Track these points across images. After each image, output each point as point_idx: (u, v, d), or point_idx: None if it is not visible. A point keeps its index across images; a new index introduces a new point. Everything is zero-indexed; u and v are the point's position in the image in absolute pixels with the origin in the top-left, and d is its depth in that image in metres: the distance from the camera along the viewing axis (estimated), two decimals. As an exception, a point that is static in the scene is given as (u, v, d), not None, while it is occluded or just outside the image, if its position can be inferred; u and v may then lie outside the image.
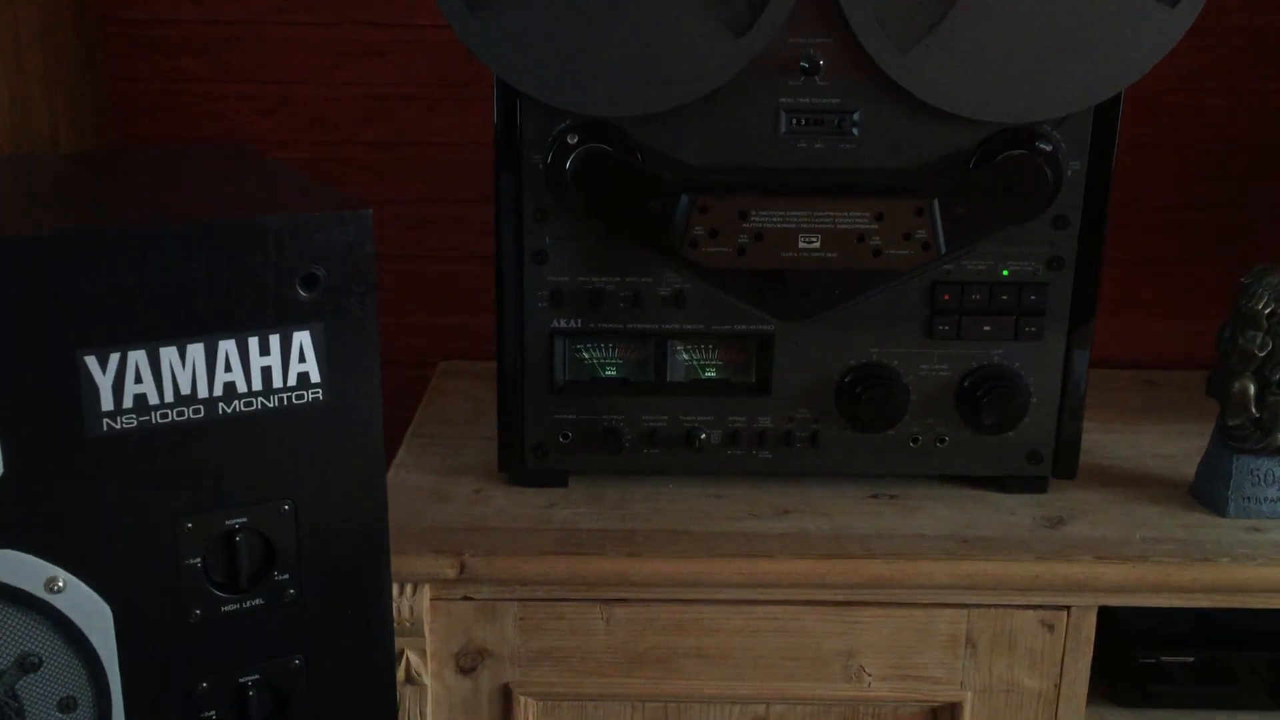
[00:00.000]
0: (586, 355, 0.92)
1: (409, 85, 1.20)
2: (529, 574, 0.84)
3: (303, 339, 0.60)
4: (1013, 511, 0.90)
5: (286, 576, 0.63)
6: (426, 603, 0.84)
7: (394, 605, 0.82)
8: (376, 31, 1.18)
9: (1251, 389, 0.87)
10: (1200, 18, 0.81)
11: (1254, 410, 0.88)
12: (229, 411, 0.59)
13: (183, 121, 1.20)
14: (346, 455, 0.63)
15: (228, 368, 0.58)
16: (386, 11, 1.17)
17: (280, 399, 0.60)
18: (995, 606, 0.85)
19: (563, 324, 0.90)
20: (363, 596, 0.67)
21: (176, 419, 0.58)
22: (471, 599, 0.85)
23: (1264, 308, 0.86)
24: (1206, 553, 0.85)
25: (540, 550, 0.85)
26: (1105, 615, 0.85)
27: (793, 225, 0.85)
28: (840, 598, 0.86)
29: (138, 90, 1.19)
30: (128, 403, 0.57)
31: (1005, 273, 0.89)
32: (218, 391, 0.59)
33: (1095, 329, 0.90)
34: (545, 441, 0.92)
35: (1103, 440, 1.04)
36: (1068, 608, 0.85)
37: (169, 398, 0.58)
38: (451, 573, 0.83)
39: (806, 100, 0.85)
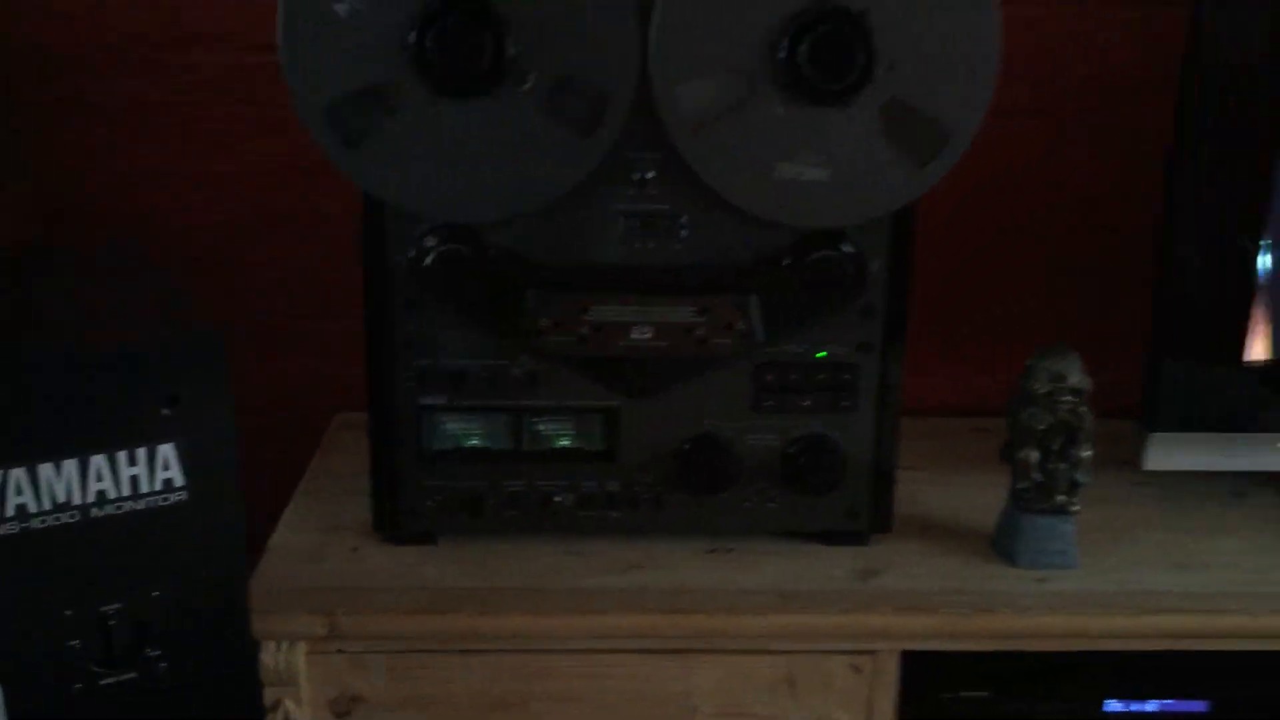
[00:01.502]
0: (452, 428, 1.02)
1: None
2: (395, 630, 0.94)
3: (166, 451, 0.69)
4: (832, 564, 1.02)
5: (158, 652, 0.73)
6: (302, 656, 0.94)
7: (271, 659, 0.92)
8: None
9: (1034, 457, 0.99)
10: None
11: (1037, 476, 1.00)
12: (101, 514, 0.69)
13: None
14: (210, 546, 0.73)
15: (99, 478, 0.68)
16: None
17: (148, 502, 0.70)
18: (810, 652, 0.96)
19: (429, 401, 1.00)
20: (228, 665, 0.77)
21: (54, 523, 0.68)
22: (344, 652, 0.95)
23: (1040, 388, 0.98)
24: (995, 603, 0.97)
25: (407, 608, 0.95)
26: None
27: (628, 319, 0.96)
28: (677, 646, 0.97)
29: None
30: (10, 511, 0.66)
31: (821, 354, 1.00)
32: (90, 498, 0.68)
33: (903, 400, 1.02)
34: (415, 505, 1.02)
35: (928, 491, 1.15)
36: (873, 651, 0.96)
37: (47, 505, 0.67)
38: (324, 631, 0.93)
39: (640, 207, 0.96)
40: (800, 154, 0.91)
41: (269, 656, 0.92)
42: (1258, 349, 1.08)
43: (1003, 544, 1.03)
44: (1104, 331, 1.24)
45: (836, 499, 1.03)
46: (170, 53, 1.25)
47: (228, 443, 0.71)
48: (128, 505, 0.69)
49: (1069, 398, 0.98)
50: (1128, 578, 1.01)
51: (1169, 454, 1.11)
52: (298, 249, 1.31)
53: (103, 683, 0.72)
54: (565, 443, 1.02)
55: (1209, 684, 1.02)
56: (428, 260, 0.94)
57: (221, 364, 0.71)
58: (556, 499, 1.02)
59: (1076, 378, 0.98)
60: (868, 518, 1.04)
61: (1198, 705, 1.01)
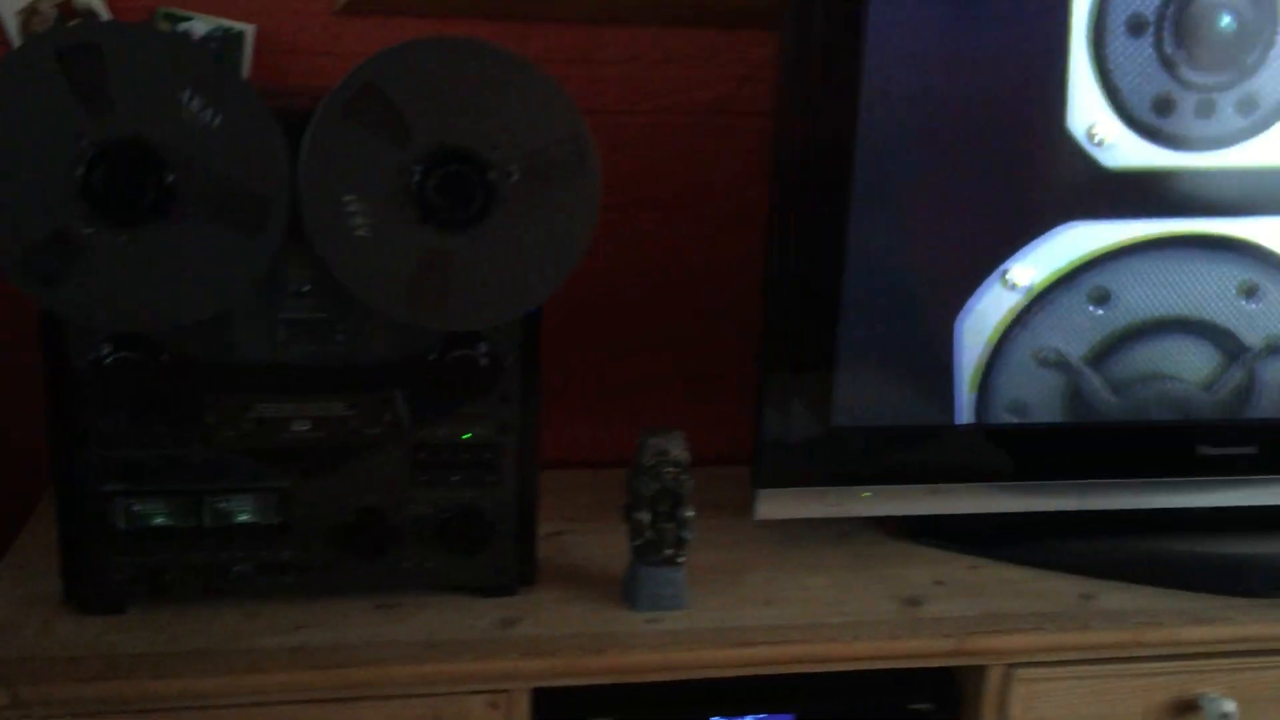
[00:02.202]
0: (136, 508, 1.13)
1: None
2: (75, 696, 1.05)
3: None
4: (479, 615, 1.18)
5: None
6: (-10, 723, 1.04)
7: (-42, 727, 1.02)
8: None
9: (646, 518, 1.18)
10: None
11: (649, 534, 1.19)
12: None
13: None
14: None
15: None
16: None
17: None
18: (452, 694, 1.13)
19: (115, 487, 1.11)
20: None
21: None
22: (29, 718, 1.06)
23: (648, 461, 1.17)
24: (610, 644, 1.15)
25: (87, 675, 1.06)
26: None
27: (287, 414, 1.10)
28: (339, 695, 1.11)
29: None
30: None
31: (467, 436, 1.17)
32: None
33: (539, 475, 1.20)
34: (103, 579, 1.13)
35: (582, 541, 1.34)
36: (507, 690, 1.13)
37: None
38: (6, 700, 1.03)
39: (299, 315, 1.10)
40: (429, 271, 1.07)
41: (-44, 727, 1.02)
42: (841, 415, 1.30)
43: (627, 591, 1.22)
44: (728, 390, 1.47)
45: (486, 557, 1.20)
46: None
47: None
48: None
49: (671, 469, 1.18)
50: (727, 615, 1.21)
51: (775, 506, 1.32)
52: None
53: None
54: (243, 518, 1.15)
55: (794, 701, 1.23)
56: (105, 364, 1.06)
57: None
58: (236, 568, 1.15)
59: (677, 452, 1.18)
60: (513, 572, 1.21)
61: (786, 718, 1.23)
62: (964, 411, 1.32)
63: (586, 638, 1.16)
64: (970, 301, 1.29)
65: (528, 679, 1.13)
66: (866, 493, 1.33)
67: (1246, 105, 1.27)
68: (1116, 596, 1.28)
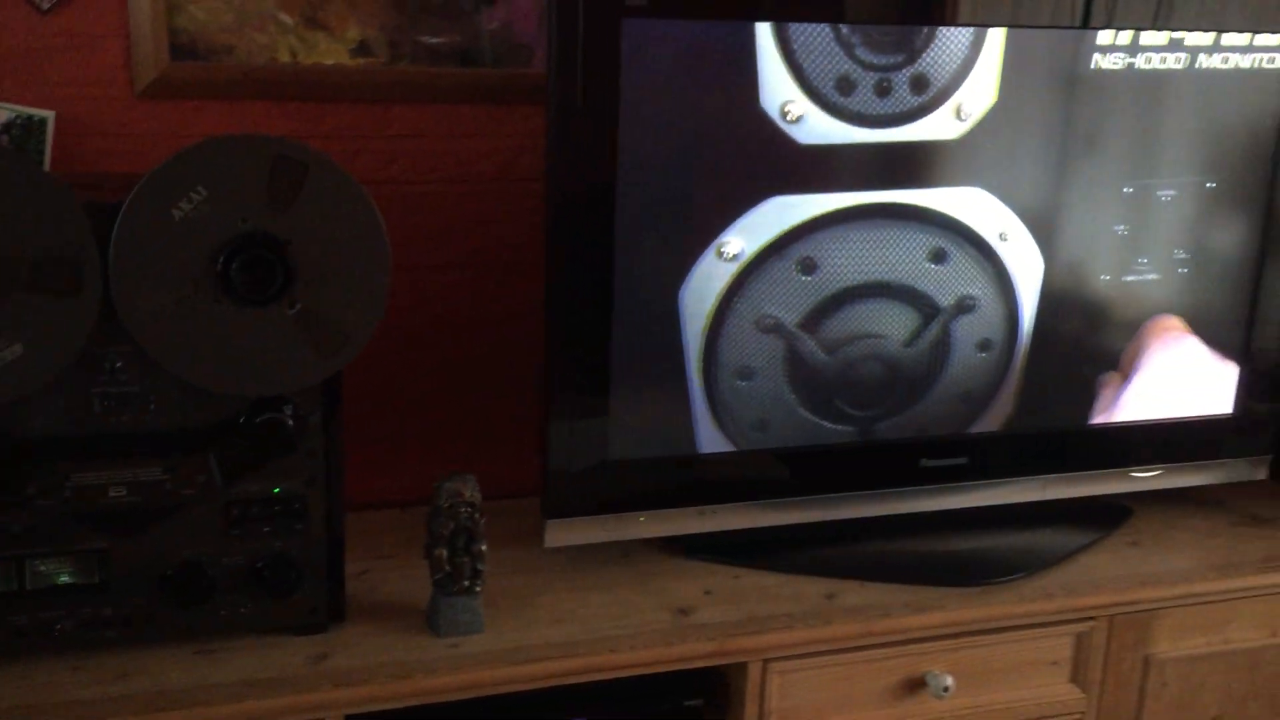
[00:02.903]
0: (-40, 575, 1.21)
1: None
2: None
3: None
4: (294, 652, 1.30)
5: None
6: None
7: None
8: None
9: (444, 554, 1.33)
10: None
11: (448, 567, 1.33)
12: None
13: None
14: None
15: None
16: None
17: None
18: (269, 725, 1.24)
19: (-67, 555, 1.19)
20: None
21: None
22: None
23: (444, 502, 1.32)
24: (413, 669, 1.28)
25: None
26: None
27: (104, 482, 1.20)
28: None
29: None
30: None
31: (276, 490, 1.29)
32: None
33: (346, 519, 1.32)
34: (-72, 643, 1.20)
35: (389, 577, 1.47)
36: (322, 719, 1.26)
37: None
38: None
39: (113, 389, 1.20)
40: (233, 342, 1.19)
41: None
42: (616, 450, 1.48)
43: (430, 620, 1.36)
44: (519, 430, 1.63)
45: (298, 599, 1.32)
46: None
47: None
48: None
49: (465, 508, 1.32)
50: (520, 635, 1.37)
51: (562, 534, 1.48)
52: None
53: None
54: (64, 579, 1.24)
55: (583, 708, 1.39)
56: (-78, 443, 1.14)
57: None
58: (59, 626, 1.24)
59: (470, 493, 1.33)
60: (324, 611, 1.33)
61: (576, 722, 1.39)
62: (698, 401, 1.49)
63: (393, 665, 1.29)
64: (689, 274, 1.44)
65: (340, 707, 1.26)
66: (642, 517, 1.51)
67: (919, 84, 1.47)
68: (855, 594, 1.49)
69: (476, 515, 1.34)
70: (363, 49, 1.52)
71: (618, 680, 1.38)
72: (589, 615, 1.42)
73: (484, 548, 1.34)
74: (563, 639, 1.37)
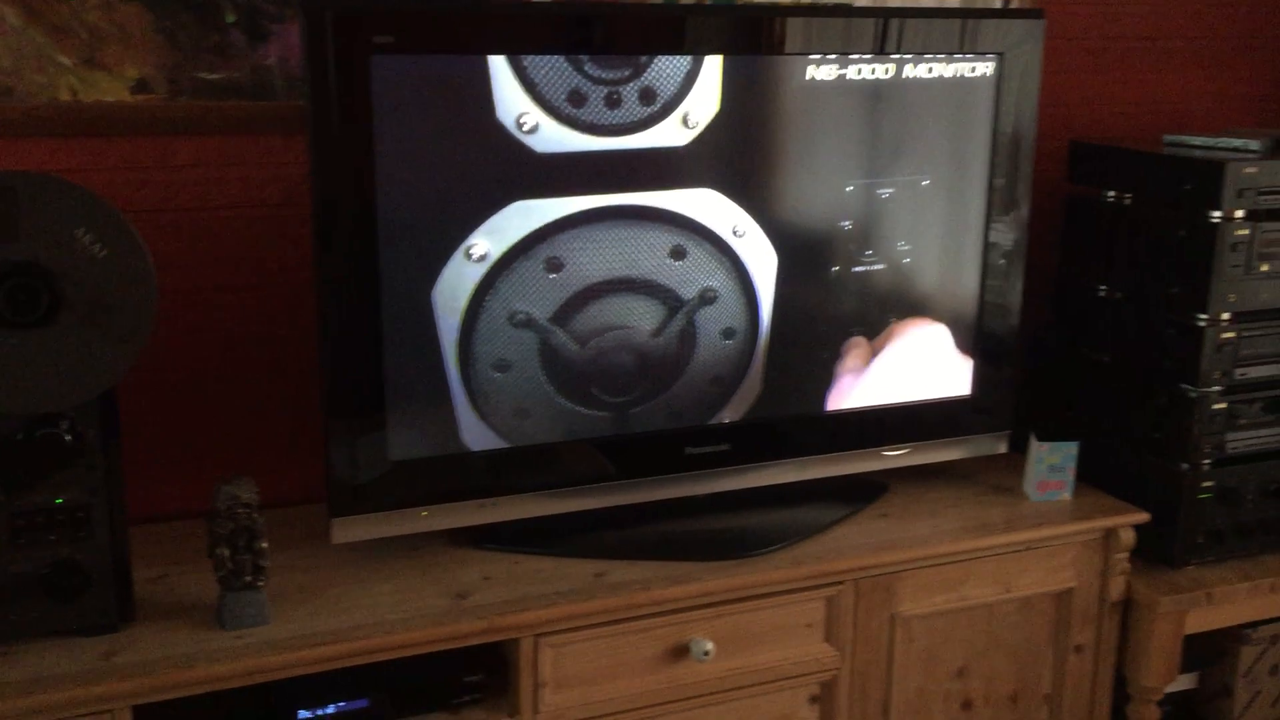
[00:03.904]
0: None
1: None
2: None
3: None
4: (87, 651, 1.39)
5: None
6: None
7: None
8: None
9: (226, 553, 1.43)
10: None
11: (230, 565, 1.44)
12: None
13: None
14: None
15: None
16: None
17: None
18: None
19: None
20: None
21: None
22: None
23: (223, 505, 1.42)
24: (198, 660, 1.39)
25: None
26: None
27: (-116, 498, 1.28)
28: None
29: None
30: None
31: (59, 500, 1.38)
32: None
33: (129, 527, 1.42)
34: None
35: (185, 580, 1.56)
36: (111, 711, 1.35)
37: None
38: None
39: (-111, 412, 1.28)
40: (4, 364, 1.28)
41: None
42: (395, 450, 1.60)
43: (219, 615, 1.46)
44: (309, 439, 1.73)
45: (87, 602, 1.41)
46: None
47: None
48: None
49: (244, 509, 1.43)
50: (305, 624, 1.48)
51: (349, 531, 1.59)
52: None
53: None
54: None
55: (369, 688, 1.51)
56: None
57: None
58: None
59: (247, 495, 1.44)
60: (114, 612, 1.43)
61: (360, 703, 1.50)
62: (458, 393, 1.61)
63: (179, 657, 1.39)
64: (439, 276, 1.56)
65: (126, 699, 1.35)
66: (424, 512, 1.63)
67: (646, 96, 1.62)
68: (623, 571, 1.64)
69: (255, 515, 1.44)
70: (142, 86, 1.62)
71: (403, 662, 1.50)
72: (372, 603, 1.54)
73: (265, 545, 1.45)
74: (344, 625, 1.48)
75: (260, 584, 1.46)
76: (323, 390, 1.56)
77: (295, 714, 1.48)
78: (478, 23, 1.55)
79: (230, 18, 1.66)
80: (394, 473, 1.60)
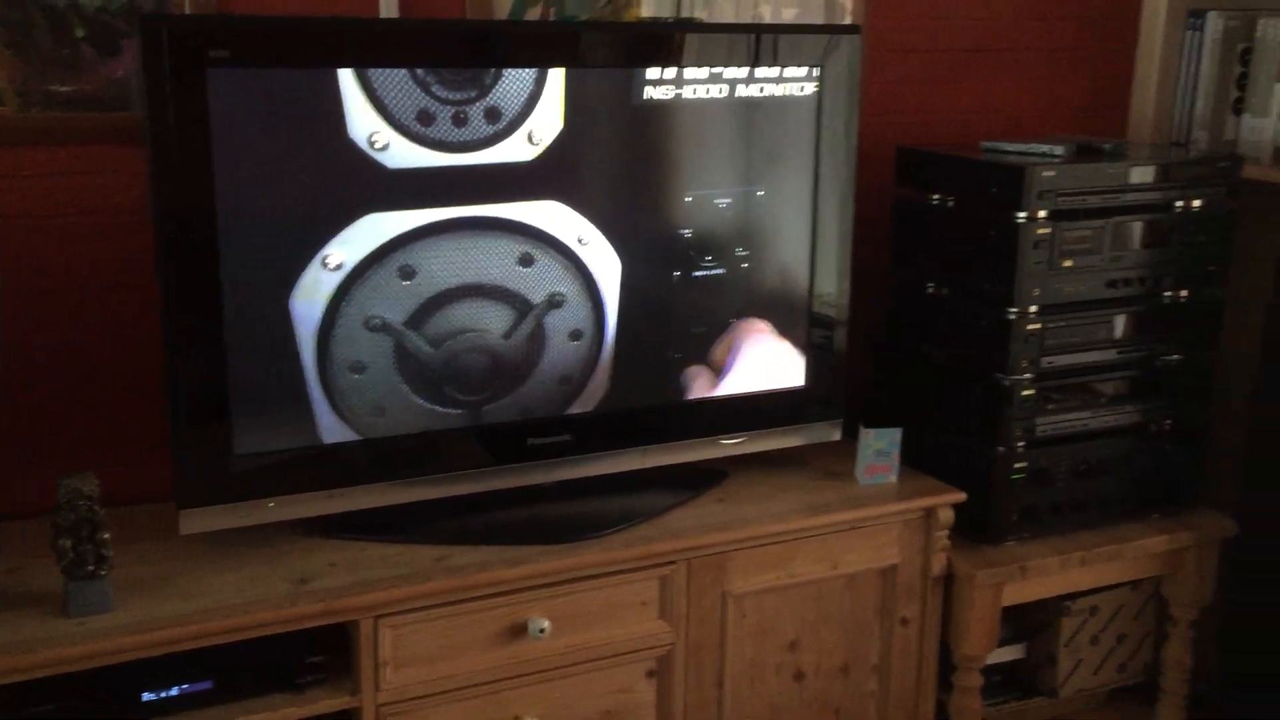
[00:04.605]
0: None
1: None
2: None
3: None
4: (-70, 640, 1.46)
5: None
6: None
7: None
8: None
9: (68, 544, 1.50)
10: None
11: (73, 555, 1.51)
12: None
13: None
14: None
15: None
16: None
17: None
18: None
19: None
20: None
21: None
22: None
23: (65, 498, 1.50)
24: (40, 645, 1.46)
25: None
26: None
27: None
28: None
29: None
30: None
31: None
32: None
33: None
34: None
35: (39, 573, 1.62)
36: (-48, 694, 1.42)
37: None
38: None
39: None
40: None
41: None
42: (242, 443, 1.68)
43: (64, 604, 1.53)
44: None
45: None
46: None
47: None
48: None
49: (84, 502, 1.51)
50: (149, 610, 1.55)
51: (196, 522, 1.67)
52: None
53: None
54: None
55: (213, 671, 1.58)
56: None
57: None
58: None
59: (88, 488, 1.51)
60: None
61: (205, 685, 1.58)
62: (316, 393, 1.70)
63: (21, 643, 1.46)
64: (296, 284, 1.64)
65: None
66: (271, 503, 1.71)
67: (492, 115, 1.72)
68: (464, 555, 1.73)
69: (96, 507, 1.52)
70: (-8, 99, 1.69)
71: (247, 644, 1.58)
72: (218, 590, 1.62)
73: (106, 536, 1.52)
74: (187, 610, 1.56)
75: (103, 573, 1.54)
76: (167, 388, 1.64)
77: (139, 697, 1.56)
78: (312, 38, 1.64)
79: (80, 32, 1.73)
80: (241, 466, 1.68)
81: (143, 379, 1.85)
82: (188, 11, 1.76)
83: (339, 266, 1.68)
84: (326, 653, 1.65)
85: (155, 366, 1.83)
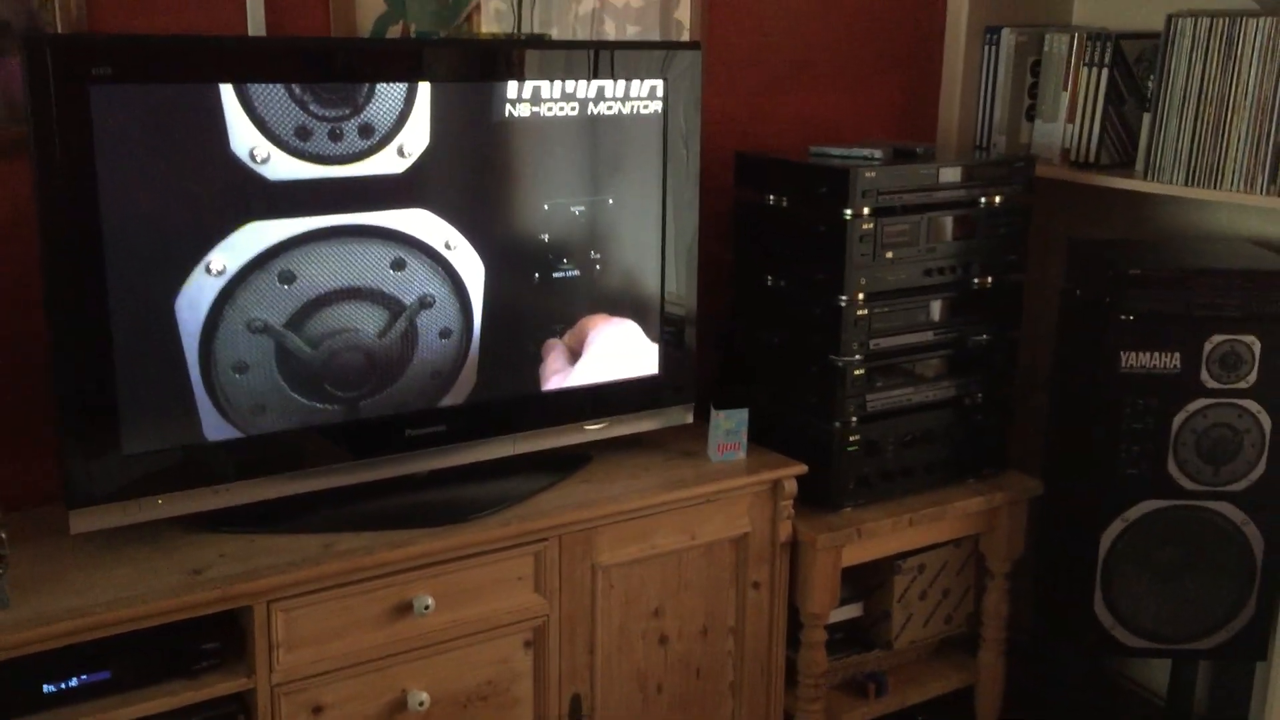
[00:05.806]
0: None
1: None
2: None
3: None
4: None
5: None
6: None
7: None
8: None
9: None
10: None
11: (-30, 555, 1.56)
12: None
13: None
14: None
15: None
16: None
17: None
18: None
19: None
20: None
21: None
22: None
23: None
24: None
25: None
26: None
27: None
28: None
29: None
30: None
31: None
32: None
33: None
34: None
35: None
36: None
37: None
38: None
39: None
40: None
41: None
42: (129, 444, 1.74)
43: (-41, 603, 1.59)
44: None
45: None
46: None
47: None
48: None
49: None
50: (43, 606, 1.61)
51: (86, 521, 1.73)
52: None
53: None
54: None
55: (110, 661, 1.65)
56: None
57: None
58: None
59: None
60: None
61: (103, 675, 1.65)
62: (200, 393, 1.78)
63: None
64: (181, 289, 1.73)
65: None
66: (160, 500, 1.78)
67: (365, 131, 1.84)
68: (350, 541, 1.84)
69: (-7, 508, 1.57)
70: None
71: (144, 635, 1.66)
72: (112, 584, 1.69)
73: (3, 535, 1.58)
74: (82, 604, 1.62)
75: (0, 571, 1.59)
76: (54, 392, 1.69)
77: (41, 689, 1.61)
78: (188, 55, 1.72)
79: (-51, 49, 1.77)
80: (129, 465, 1.75)
81: (30, 385, 1.88)
82: (59, 30, 1.82)
83: (222, 272, 1.77)
84: (220, 640, 1.74)
85: (45, 373, 1.88)
